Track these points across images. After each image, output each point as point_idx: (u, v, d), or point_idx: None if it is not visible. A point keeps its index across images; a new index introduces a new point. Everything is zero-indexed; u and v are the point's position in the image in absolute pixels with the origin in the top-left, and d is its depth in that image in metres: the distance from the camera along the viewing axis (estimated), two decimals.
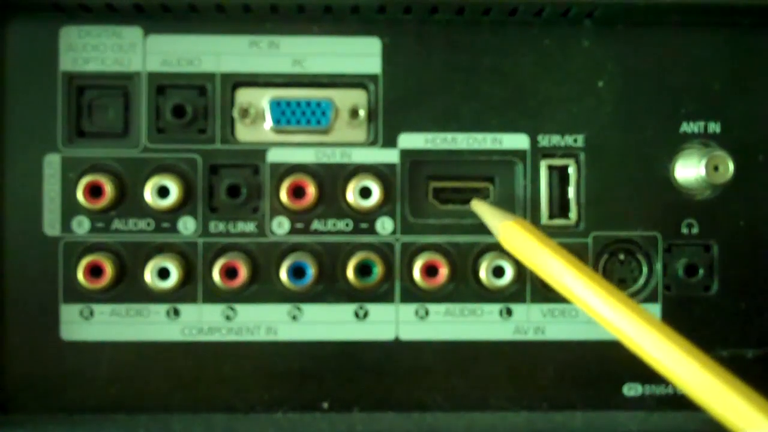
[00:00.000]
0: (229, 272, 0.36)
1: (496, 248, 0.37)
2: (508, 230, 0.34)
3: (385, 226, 0.37)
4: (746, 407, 0.24)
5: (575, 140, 0.38)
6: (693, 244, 0.38)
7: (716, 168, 0.36)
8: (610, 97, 0.38)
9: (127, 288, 0.37)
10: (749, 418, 0.24)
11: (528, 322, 0.38)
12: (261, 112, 0.37)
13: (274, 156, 0.37)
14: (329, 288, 0.37)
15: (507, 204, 0.38)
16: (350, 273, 0.37)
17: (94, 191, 0.36)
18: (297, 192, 0.37)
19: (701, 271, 0.38)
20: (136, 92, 0.37)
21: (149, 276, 0.36)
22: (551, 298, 0.38)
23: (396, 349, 0.38)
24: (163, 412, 0.37)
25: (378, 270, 0.37)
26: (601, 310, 0.29)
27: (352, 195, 0.37)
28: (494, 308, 0.38)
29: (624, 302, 0.29)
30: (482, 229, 0.37)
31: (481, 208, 0.36)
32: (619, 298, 0.29)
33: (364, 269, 0.37)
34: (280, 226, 0.37)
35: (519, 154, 0.37)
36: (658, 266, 0.38)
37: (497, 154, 0.38)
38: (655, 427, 0.37)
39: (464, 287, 0.37)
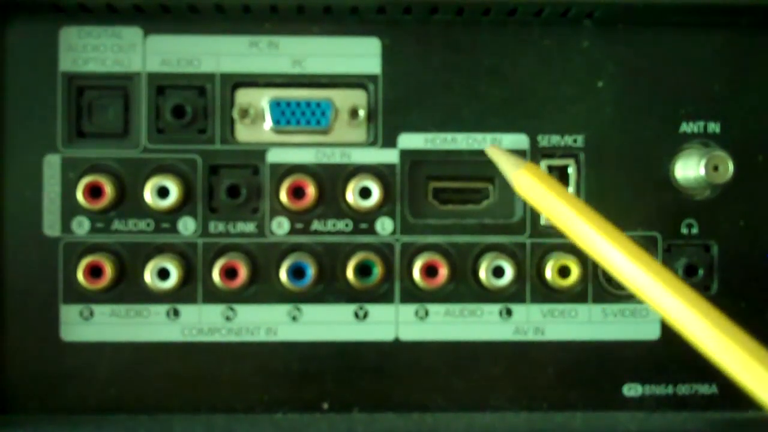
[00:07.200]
0: (229, 272, 0.36)
1: (496, 248, 0.37)
2: (521, 178, 0.34)
3: (384, 226, 0.37)
4: None
5: (575, 140, 0.37)
6: (693, 244, 0.38)
7: (716, 168, 0.36)
8: (610, 97, 0.38)
9: (127, 288, 0.37)
10: None
11: (528, 323, 0.38)
12: (261, 112, 0.37)
13: (274, 156, 0.37)
14: (329, 288, 0.37)
15: (507, 205, 0.38)
16: (350, 273, 0.37)
17: (94, 192, 0.36)
18: (297, 192, 0.37)
19: (701, 272, 0.38)
20: (136, 92, 0.37)
21: (149, 276, 0.36)
22: (551, 298, 0.38)
23: (396, 349, 0.38)
24: (164, 413, 0.37)
25: (378, 270, 0.37)
26: (608, 254, 0.31)
27: (351, 195, 0.37)
28: (494, 308, 0.38)
29: (629, 248, 0.31)
30: (482, 229, 0.37)
31: (496, 154, 0.36)
32: (624, 244, 0.31)
33: (363, 269, 0.37)
34: (280, 226, 0.37)
35: (519, 154, 0.37)
36: None
37: None
38: (655, 428, 0.37)
39: (464, 287, 0.37)
